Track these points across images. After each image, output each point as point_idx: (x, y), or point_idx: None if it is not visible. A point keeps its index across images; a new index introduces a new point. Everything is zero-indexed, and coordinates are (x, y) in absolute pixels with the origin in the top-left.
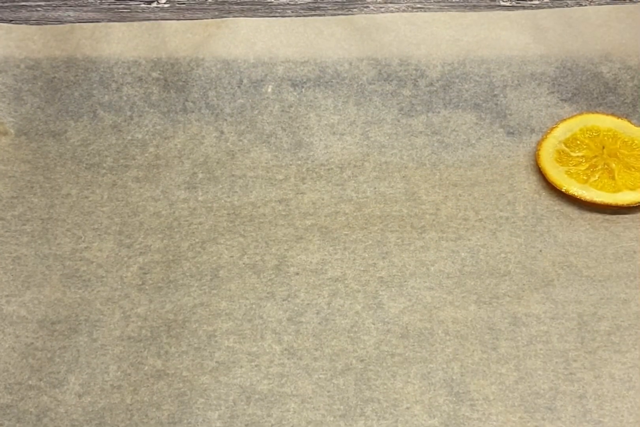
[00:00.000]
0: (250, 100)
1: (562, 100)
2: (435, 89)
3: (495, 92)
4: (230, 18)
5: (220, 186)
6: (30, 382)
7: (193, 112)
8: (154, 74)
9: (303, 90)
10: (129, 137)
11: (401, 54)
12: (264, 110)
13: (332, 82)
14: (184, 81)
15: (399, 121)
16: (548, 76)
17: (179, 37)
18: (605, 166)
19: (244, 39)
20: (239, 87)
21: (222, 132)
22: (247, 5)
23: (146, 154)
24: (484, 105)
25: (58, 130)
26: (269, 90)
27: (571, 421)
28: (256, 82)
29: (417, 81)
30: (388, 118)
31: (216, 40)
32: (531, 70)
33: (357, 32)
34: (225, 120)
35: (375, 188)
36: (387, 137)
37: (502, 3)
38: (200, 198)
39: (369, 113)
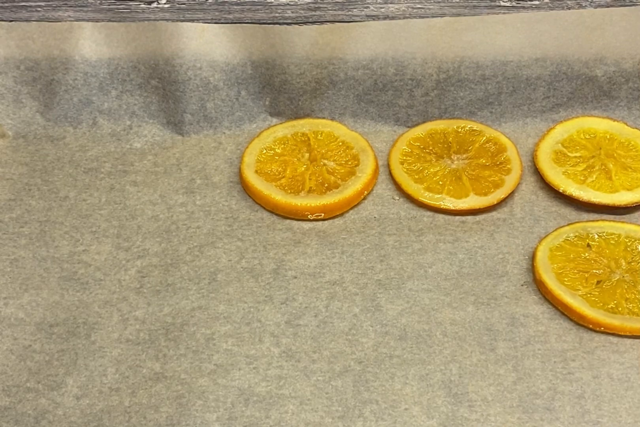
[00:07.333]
0: (247, 113)
1: (557, 104)
2: (430, 98)
3: (490, 100)
4: (228, 24)
5: (218, 191)
6: (28, 384)
7: (192, 124)
8: (153, 82)
9: (299, 103)
10: (128, 146)
11: (396, 63)
12: (262, 124)
13: (328, 93)
14: (181, 91)
15: (395, 132)
16: (543, 81)
17: (175, 42)
18: (603, 167)
19: (242, 47)
20: (237, 99)
21: (220, 143)
22: (247, 5)
23: (144, 161)
24: (479, 113)
25: (57, 136)
26: (267, 102)
27: (570, 422)
28: (254, 95)
29: (412, 91)
30: (385, 129)
31: (213, 49)
32: (526, 74)
33: (352, 41)
34: (224, 133)
35: (372, 191)
36: (385, 144)
37: (502, 3)
38: (198, 202)
39: (365, 124)
